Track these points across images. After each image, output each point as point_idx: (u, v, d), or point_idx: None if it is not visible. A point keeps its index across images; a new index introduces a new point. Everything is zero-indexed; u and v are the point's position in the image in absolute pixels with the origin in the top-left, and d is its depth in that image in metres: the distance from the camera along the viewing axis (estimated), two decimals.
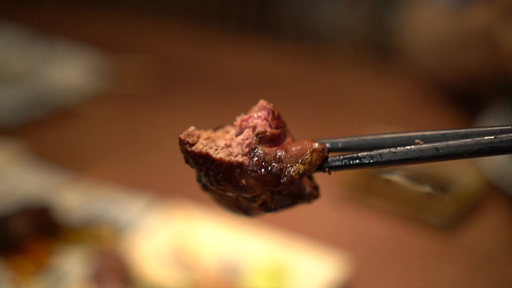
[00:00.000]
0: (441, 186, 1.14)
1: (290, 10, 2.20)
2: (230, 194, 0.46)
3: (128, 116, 1.47)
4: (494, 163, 1.12)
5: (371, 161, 0.45)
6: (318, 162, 0.45)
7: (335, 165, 0.46)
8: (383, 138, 0.46)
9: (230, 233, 1.01)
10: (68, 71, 1.59)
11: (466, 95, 1.45)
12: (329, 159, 0.46)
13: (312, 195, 0.47)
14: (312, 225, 1.09)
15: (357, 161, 0.45)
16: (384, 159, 0.44)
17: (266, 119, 0.46)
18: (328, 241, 1.02)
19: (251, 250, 0.97)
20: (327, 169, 0.46)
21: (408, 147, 0.44)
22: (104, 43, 1.80)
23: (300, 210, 1.14)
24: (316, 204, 1.19)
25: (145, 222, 1.05)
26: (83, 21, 2.05)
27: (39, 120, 1.42)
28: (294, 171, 0.44)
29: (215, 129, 0.48)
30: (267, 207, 0.46)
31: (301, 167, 0.45)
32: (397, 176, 1.17)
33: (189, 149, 0.45)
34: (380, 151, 0.44)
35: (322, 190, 1.23)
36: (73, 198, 1.10)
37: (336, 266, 0.94)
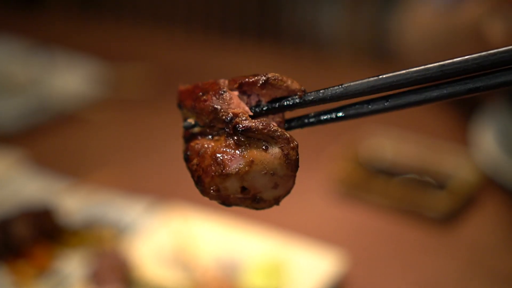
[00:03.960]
0: (438, 181, 1.15)
1: (290, 14, 2.22)
2: (209, 116, 0.49)
3: (128, 121, 1.49)
4: (490, 156, 1.13)
5: (342, 88, 0.48)
6: (293, 83, 0.49)
7: (310, 98, 0.49)
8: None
9: (228, 232, 1.02)
10: (69, 79, 1.62)
11: None
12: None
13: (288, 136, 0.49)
14: (309, 222, 1.10)
15: (330, 92, 0.48)
16: (358, 83, 0.47)
17: None
18: (325, 237, 1.03)
19: (249, 249, 0.98)
20: (303, 90, 0.49)
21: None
22: (105, 51, 1.82)
23: (297, 207, 1.16)
24: (312, 201, 1.20)
25: (145, 224, 1.06)
26: (84, 30, 2.08)
27: (41, 127, 1.45)
28: (271, 74, 0.50)
29: None
30: (242, 123, 0.48)
31: (278, 75, 0.49)
32: (394, 172, 1.18)
33: (183, 87, 0.51)
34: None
35: (318, 187, 1.24)
36: (74, 202, 1.11)
37: (333, 262, 0.95)
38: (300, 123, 0.51)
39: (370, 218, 1.11)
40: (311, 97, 0.49)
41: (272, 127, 0.47)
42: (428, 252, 1.03)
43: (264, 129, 0.47)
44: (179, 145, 1.44)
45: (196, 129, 0.51)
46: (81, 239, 1.02)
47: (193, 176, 0.50)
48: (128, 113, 1.52)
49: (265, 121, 0.48)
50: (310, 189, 1.18)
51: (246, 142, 0.48)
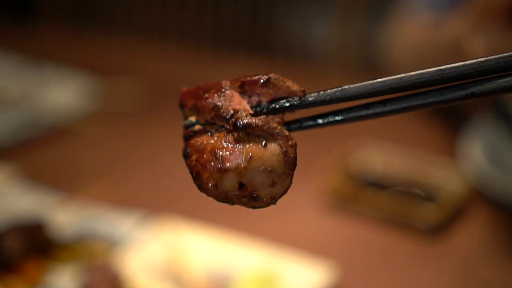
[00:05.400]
0: (427, 193, 1.16)
1: (282, 28, 2.24)
2: (210, 114, 0.50)
3: (120, 135, 1.50)
4: (478, 168, 1.15)
5: (342, 90, 0.49)
6: (294, 84, 0.50)
7: (310, 99, 0.50)
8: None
9: (219, 245, 1.02)
10: (61, 93, 1.62)
11: (451, 107, 1.47)
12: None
13: (285, 133, 0.49)
14: (300, 234, 1.11)
15: (329, 94, 0.50)
16: (357, 85, 0.49)
17: None
18: (316, 249, 1.04)
19: (241, 261, 0.99)
20: (303, 91, 0.50)
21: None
22: (97, 65, 1.83)
23: (288, 219, 1.16)
24: (303, 213, 1.21)
25: (137, 237, 1.06)
26: (76, 44, 2.09)
27: (32, 141, 1.45)
28: (272, 74, 0.50)
29: None
30: (242, 119, 0.48)
31: (279, 76, 0.51)
32: (383, 184, 1.19)
33: (185, 89, 0.54)
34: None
35: (309, 200, 1.25)
36: (66, 216, 1.11)
37: (324, 274, 0.96)
38: (298, 125, 0.52)
39: (361, 230, 1.12)
40: (311, 98, 0.50)
41: (272, 124, 0.48)
42: (418, 262, 1.04)
43: (264, 125, 0.48)
44: (171, 158, 1.46)
45: (197, 127, 0.52)
46: (72, 253, 1.02)
47: (191, 172, 0.50)
48: (120, 127, 1.53)
49: (264, 118, 0.49)
50: (301, 202, 1.19)
51: (245, 139, 0.48)
